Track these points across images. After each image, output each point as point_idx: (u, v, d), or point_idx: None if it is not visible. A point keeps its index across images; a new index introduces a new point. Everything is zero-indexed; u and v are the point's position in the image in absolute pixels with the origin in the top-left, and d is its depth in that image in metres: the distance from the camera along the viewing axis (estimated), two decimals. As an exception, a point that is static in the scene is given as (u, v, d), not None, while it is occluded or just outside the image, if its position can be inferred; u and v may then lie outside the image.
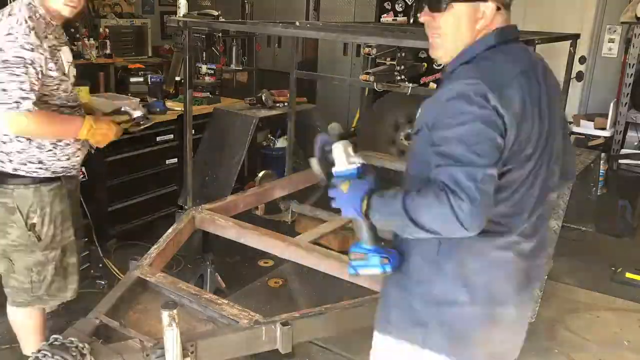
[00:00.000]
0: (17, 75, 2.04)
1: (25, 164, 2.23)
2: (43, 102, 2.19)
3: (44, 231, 2.29)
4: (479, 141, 1.33)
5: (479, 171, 1.31)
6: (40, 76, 2.11)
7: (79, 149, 2.37)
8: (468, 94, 1.35)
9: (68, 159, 2.33)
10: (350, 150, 1.57)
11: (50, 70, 2.18)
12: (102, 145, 2.41)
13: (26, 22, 2.09)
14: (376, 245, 1.54)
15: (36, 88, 2.10)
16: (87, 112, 2.48)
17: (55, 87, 2.23)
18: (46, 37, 2.18)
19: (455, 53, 1.49)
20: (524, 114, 1.39)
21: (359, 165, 1.54)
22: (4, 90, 2.03)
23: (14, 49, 2.04)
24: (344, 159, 1.55)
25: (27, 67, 2.06)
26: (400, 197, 1.38)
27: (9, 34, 2.05)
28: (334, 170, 1.57)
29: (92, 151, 2.49)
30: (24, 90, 2.05)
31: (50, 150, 2.26)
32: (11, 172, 2.23)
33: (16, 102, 2.04)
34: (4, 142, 2.21)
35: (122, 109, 2.58)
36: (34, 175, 2.25)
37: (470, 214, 1.29)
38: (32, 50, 2.07)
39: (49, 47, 2.18)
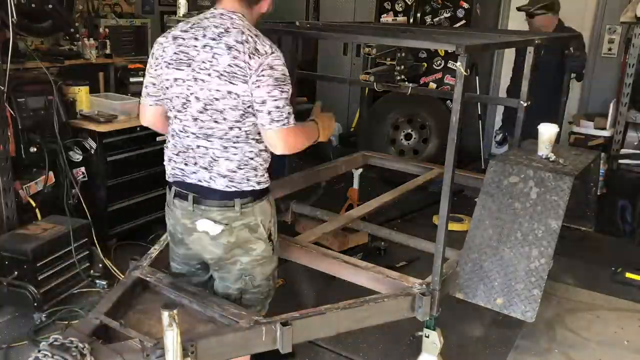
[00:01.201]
0: (286, 92, 2.06)
1: (264, 175, 2.22)
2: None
3: (275, 238, 2.31)
4: None
5: None
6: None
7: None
8: None
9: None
10: None
11: None
12: (326, 138, 2.50)
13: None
14: None
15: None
16: None
17: None
18: None
19: None
20: None
21: None
22: (277, 107, 2.04)
23: (282, 67, 2.05)
24: None
25: (288, 84, 2.08)
26: None
27: (274, 52, 2.05)
28: None
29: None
30: (289, 105, 2.08)
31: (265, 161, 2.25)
32: (258, 188, 2.19)
33: (287, 117, 2.07)
34: (252, 158, 2.17)
35: None
36: (265, 185, 2.23)
37: None
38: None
39: None
